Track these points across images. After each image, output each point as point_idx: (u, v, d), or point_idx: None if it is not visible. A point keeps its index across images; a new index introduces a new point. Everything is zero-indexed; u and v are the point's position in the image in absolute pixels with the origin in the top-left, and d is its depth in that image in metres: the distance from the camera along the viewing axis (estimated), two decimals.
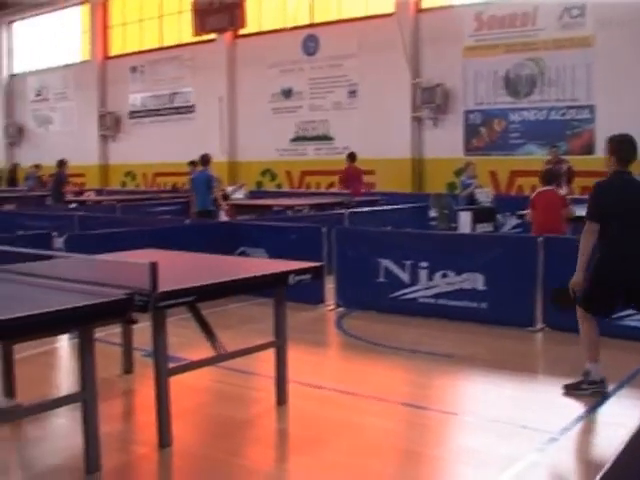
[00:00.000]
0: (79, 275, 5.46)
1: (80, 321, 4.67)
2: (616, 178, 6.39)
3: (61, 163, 18.80)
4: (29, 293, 5.23)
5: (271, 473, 5.12)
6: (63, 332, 6.60)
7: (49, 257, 7.14)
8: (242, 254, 10.54)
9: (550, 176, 10.47)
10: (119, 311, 4.84)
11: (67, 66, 30.68)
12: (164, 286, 4.85)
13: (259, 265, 6.96)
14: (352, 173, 18.12)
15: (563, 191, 12.27)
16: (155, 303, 4.72)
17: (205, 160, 15.70)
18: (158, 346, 5.21)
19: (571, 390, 6.41)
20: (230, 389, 6.74)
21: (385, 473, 4.98)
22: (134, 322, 5.06)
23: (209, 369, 6.51)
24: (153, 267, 4.66)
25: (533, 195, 10.45)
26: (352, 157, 18.41)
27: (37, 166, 22.18)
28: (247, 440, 5.75)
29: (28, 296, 5.13)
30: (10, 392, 6.01)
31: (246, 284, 5.85)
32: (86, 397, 4.87)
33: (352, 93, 22.50)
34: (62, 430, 5.91)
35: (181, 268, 6.28)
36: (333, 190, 20.60)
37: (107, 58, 29.51)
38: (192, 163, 19.09)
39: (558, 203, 10.06)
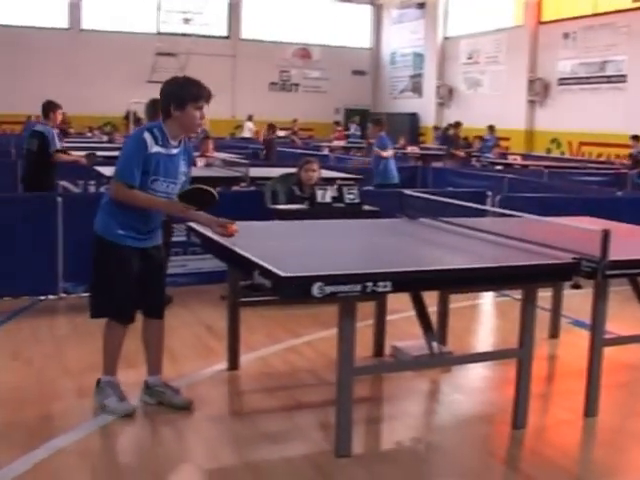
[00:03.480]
0: (518, 234, 5.48)
1: (528, 279, 4.76)
2: None
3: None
4: (473, 246, 5.42)
5: None
6: (508, 288, 6.79)
7: (483, 214, 7.37)
8: None
9: None
10: (564, 274, 4.86)
11: (499, 30, 30.96)
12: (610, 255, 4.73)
13: None
14: None
15: None
16: (603, 271, 4.65)
17: None
18: (598, 314, 5.13)
19: None
20: None
21: None
22: (579, 287, 5.05)
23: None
24: (605, 234, 4.59)
25: None
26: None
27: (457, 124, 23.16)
28: None
29: (474, 249, 5.31)
30: (443, 339, 6.32)
31: None
32: (522, 355, 4.97)
33: None
34: (485, 383, 6.13)
35: (621, 239, 6.09)
36: None
37: (540, 23, 29.27)
38: (635, 138, 18.69)
39: None
